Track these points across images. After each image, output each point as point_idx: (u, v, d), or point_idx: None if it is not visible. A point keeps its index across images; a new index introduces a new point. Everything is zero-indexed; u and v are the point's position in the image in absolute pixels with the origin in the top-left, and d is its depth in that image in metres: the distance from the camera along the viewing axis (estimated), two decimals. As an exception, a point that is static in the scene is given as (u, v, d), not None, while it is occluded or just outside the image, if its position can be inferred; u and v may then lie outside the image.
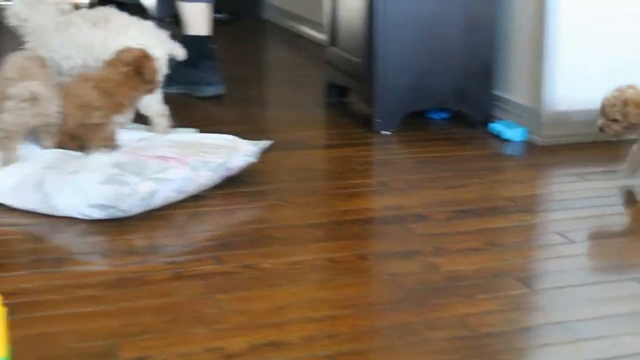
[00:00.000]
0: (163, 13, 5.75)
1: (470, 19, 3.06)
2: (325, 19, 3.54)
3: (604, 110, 2.52)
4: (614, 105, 2.49)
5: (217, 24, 5.71)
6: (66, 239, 2.15)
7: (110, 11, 2.83)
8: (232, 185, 2.46)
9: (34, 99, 2.38)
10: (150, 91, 2.59)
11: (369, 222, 2.27)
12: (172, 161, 2.30)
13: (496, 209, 2.39)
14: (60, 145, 2.48)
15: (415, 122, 3.15)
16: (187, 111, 3.39)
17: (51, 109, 2.41)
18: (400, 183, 2.58)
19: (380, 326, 1.71)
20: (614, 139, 2.65)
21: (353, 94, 3.41)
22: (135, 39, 2.72)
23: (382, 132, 3.04)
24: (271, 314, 1.74)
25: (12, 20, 2.86)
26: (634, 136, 2.55)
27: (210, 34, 3.66)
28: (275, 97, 3.77)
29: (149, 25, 2.86)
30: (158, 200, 2.23)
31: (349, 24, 3.24)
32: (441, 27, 3.04)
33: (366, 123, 3.12)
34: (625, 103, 2.47)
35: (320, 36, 4.81)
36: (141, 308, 1.76)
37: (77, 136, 2.50)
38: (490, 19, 3.09)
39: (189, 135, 2.61)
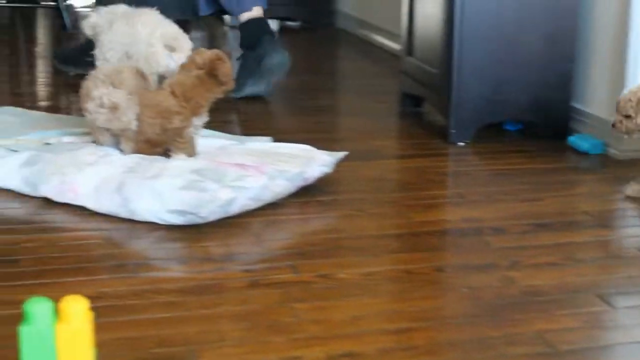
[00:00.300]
0: (235, 21, 5.81)
1: (550, 30, 3.02)
2: (402, 29, 3.53)
3: (618, 106, 2.51)
4: (629, 100, 2.48)
5: (290, 32, 5.77)
6: (144, 245, 2.18)
7: (143, 10, 3.08)
8: (307, 194, 2.47)
9: (112, 108, 2.44)
10: (225, 92, 2.61)
11: (446, 234, 2.25)
12: (250, 169, 2.32)
13: (573, 223, 2.35)
14: (139, 152, 2.52)
15: (490, 134, 3.13)
16: (261, 120, 3.42)
17: (129, 117, 2.46)
18: (476, 195, 2.56)
19: (458, 340, 1.70)
20: (625, 136, 2.60)
21: (428, 104, 3.40)
22: (147, 37, 2.96)
23: (458, 143, 3.03)
24: (347, 325, 1.74)
25: (87, 31, 3.16)
26: None
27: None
28: (348, 106, 3.77)
29: (168, 25, 3.03)
30: (235, 208, 2.25)
31: (426, 34, 3.24)
32: (520, 38, 3.01)
33: (441, 134, 3.10)
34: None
35: (395, 45, 4.81)
36: (219, 315, 1.78)
37: (157, 143, 2.54)
38: (571, 30, 3.05)
39: (266, 144, 2.63)
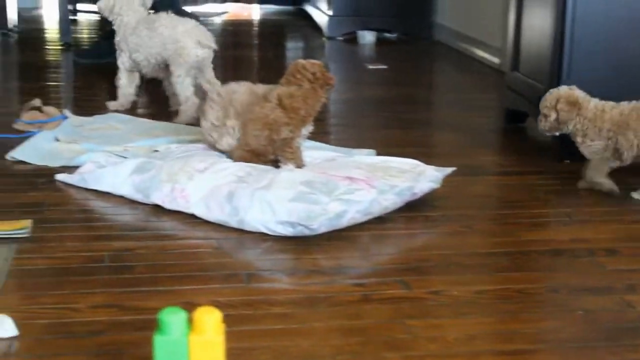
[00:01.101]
0: (333, 32, 5.84)
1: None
2: (508, 43, 3.49)
3: (540, 105, 2.72)
4: (546, 100, 2.70)
5: (387, 44, 5.77)
6: (254, 255, 2.19)
7: (166, 15, 3.52)
8: (413, 208, 2.46)
9: (223, 131, 2.55)
10: (325, 99, 2.63)
11: (557, 254, 2.21)
12: (360, 183, 2.31)
13: (690, 247, 2.29)
14: (244, 161, 2.54)
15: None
16: (363, 133, 3.41)
17: (236, 137, 2.58)
18: (585, 215, 2.51)
19: (577, 364, 1.67)
20: (547, 133, 2.75)
21: (533, 120, 3.34)
22: (170, 35, 3.40)
23: (564, 160, 2.97)
24: (463, 344, 1.72)
25: (103, 12, 3.60)
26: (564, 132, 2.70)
27: None
28: (448, 120, 3.74)
29: (194, 23, 3.48)
30: (344, 221, 2.24)
31: (533, 48, 3.19)
32: (632, 52, 2.95)
33: (547, 150, 3.05)
34: (557, 100, 2.65)
35: (494, 59, 4.76)
36: (332, 329, 1.78)
37: (262, 153, 2.55)
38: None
39: (375, 158, 2.62)
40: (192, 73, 3.45)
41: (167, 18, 3.49)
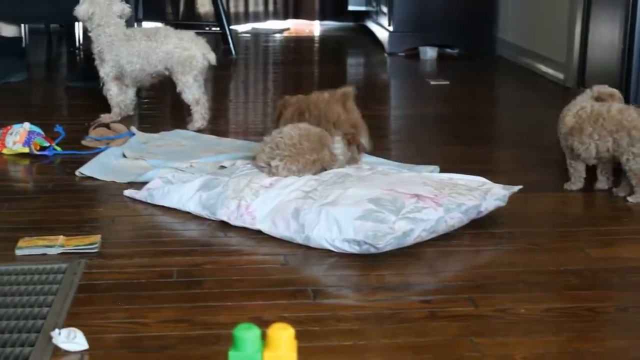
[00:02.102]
0: (394, 48, 5.84)
1: None
2: (573, 58, 3.46)
3: None
4: None
5: (449, 59, 5.75)
6: (320, 271, 2.20)
7: (159, 26, 3.85)
8: (479, 225, 2.44)
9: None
10: None
11: (628, 273, 2.18)
12: (427, 200, 2.31)
13: None
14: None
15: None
16: (426, 149, 3.41)
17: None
18: (657, 233, 2.48)
19: (649, 385, 1.64)
20: None
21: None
22: (178, 45, 3.61)
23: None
24: (532, 363, 1.71)
25: (81, 19, 3.72)
26: None
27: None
28: (512, 136, 3.72)
29: (188, 33, 3.70)
30: (410, 240, 2.24)
31: (601, 64, 3.16)
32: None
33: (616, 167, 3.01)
34: None
35: (558, 74, 4.72)
36: (400, 346, 1.77)
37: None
38: None
39: (442, 175, 2.61)
40: (199, 79, 3.65)
41: (168, 29, 3.72)
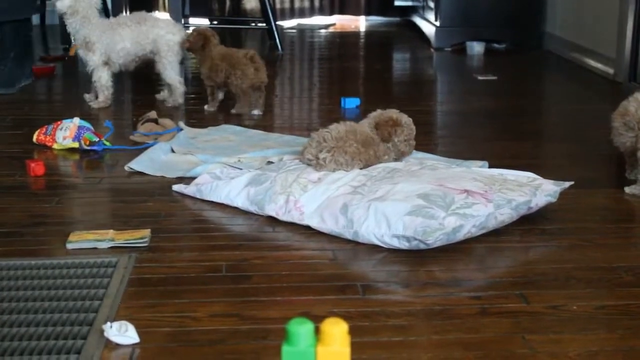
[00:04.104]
0: (441, 43, 5.81)
1: None
2: (625, 53, 3.41)
3: None
4: None
5: (496, 54, 5.71)
6: (369, 266, 2.19)
7: (142, 13, 4.06)
8: (529, 221, 2.42)
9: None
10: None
11: (683, 270, 2.14)
12: (477, 196, 2.29)
13: None
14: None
15: None
16: (474, 145, 3.38)
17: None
18: None
19: None
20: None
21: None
22: (163, 29, 3.95)
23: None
24: (585, 360, 1.68)
25: (64, 12, 3.88)
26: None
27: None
28: (560, 131, 3.68)
29: (169, 20, 4.21)
30: (460, 236, 2.22)
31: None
32: None
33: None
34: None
35: (607, 69, 4.66)
36: (450, 342, 1.76)
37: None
38: None
39: (492, 170, 2.59)
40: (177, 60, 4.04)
41: (150, 15, 4.07)
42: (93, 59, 3.92)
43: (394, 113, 2.77)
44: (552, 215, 2.48)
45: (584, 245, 2.30)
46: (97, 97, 3.99)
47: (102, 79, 3.95)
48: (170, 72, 3.98)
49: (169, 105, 3.99)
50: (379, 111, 2.79)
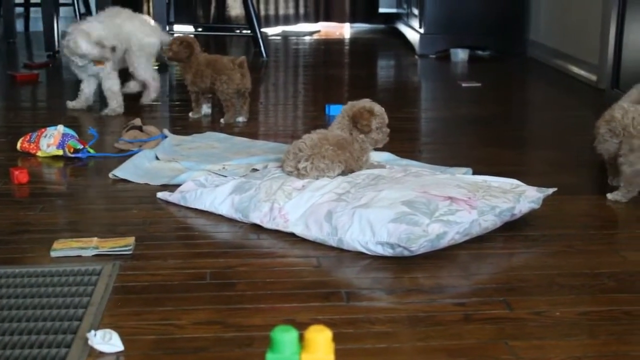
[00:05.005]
0: (425, 50, 5.83)
1: None
2: (608, 60, 3.43)
3: None
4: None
5: (480, 61, 5.73)
6: (353, 273, 2.19)
7: (117, 7, 4.18)
8: (513, 228, 2.43)
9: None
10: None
11: (664, 275, 2.16)
12: (461, 203, 2.30)
13: None
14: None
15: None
16: (458, 151, 3.40)
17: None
18: (691, 235, 2.45)
19: (688, 389, 1.62)
20: None
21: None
22: (136, 27, 4.07)
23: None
24: (568, 366, 1.69)
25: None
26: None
27: None
28: (544, 138, 3.70)
29: (148, 19, 4.30)
30: (444, 242, 2.23)
31: (636, 65, 3.13)
32: None
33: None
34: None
35: (590, 76, 4.68)
36: (434, 349, 1.77)
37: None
38: None
39: (476, 177, 2.60)
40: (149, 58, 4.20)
41: (128, 11, 4.17)
42: (104, 70, 3.97)
43: (366, 102, 2.77)
44: (535, 222, 2.49)
45: (567, 251, 2.31)
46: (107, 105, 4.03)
47: (114, 86, 3.99)
48: (142, 69, 4.12)
49: (144, 102, 4.12)
50: (350, 104, 2.78)
